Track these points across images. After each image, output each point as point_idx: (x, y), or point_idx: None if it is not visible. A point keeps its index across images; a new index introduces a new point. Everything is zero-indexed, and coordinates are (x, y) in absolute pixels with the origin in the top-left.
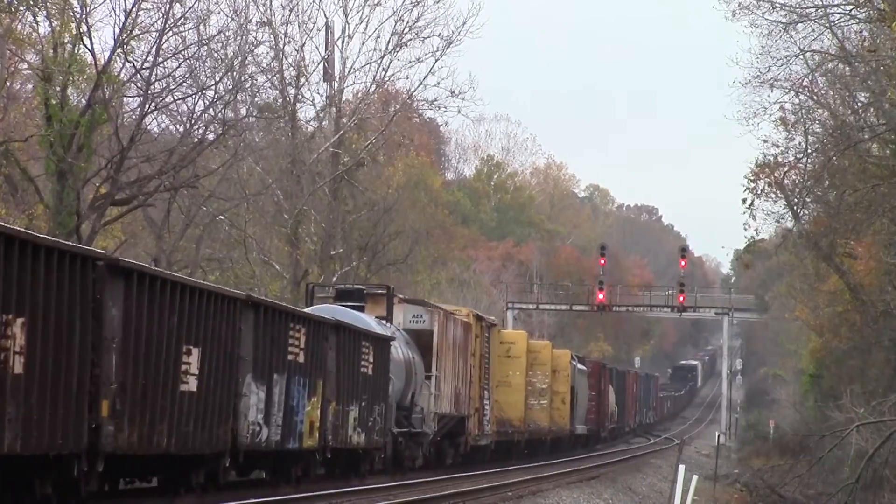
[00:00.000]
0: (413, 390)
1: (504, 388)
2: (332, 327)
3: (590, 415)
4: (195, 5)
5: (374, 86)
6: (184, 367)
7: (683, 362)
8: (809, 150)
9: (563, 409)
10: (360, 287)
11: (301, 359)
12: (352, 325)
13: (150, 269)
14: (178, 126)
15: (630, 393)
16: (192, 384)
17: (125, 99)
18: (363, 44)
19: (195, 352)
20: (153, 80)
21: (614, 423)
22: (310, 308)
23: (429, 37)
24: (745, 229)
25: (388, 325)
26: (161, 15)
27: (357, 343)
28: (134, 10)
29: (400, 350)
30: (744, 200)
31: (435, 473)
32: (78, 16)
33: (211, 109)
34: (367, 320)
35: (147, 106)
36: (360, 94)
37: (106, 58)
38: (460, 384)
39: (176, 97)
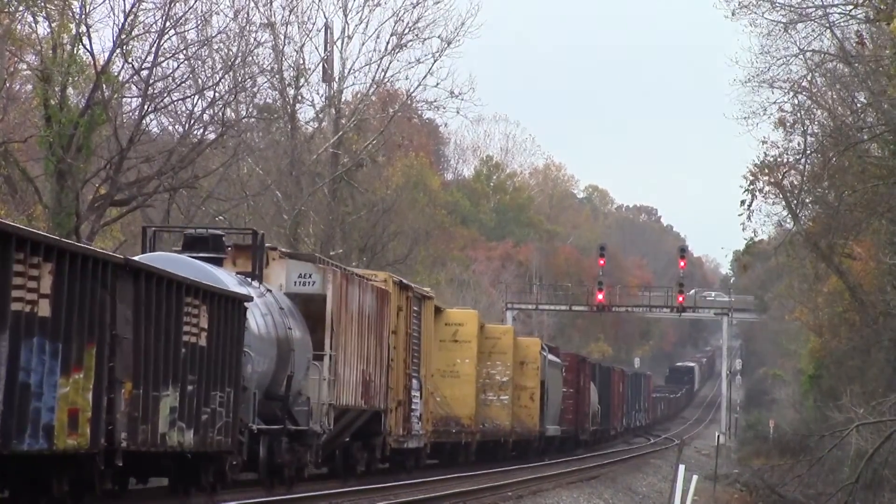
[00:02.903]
0: (291, 374)
1: (450, 380)
2: (119, 269)
3: (566, 415)
4: (195, 5)
5: (373, 86)
6: None
7: (680, 364)
8: (808, 151)
9: (531, 408)
10: (218, 233)
11: (43, 310)
12: (162, 272)
13: None
14: (177, 126)
15: (616, 392)
16: None
17: (124, 99)
18: (363, 44)
19: None
20: (152, 80)
21: (597, 426)
22: (141, 257)
23: (428, 38)
24: (743, 229)
25: (258, 285)
26: (161, 15)
27: (175, 299)
28: (134, 10)
29: (268, 318)
30: (742, 202)
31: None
32: (77, 16)
33: (210, 110)
34: (217, 276)
35: (146, 106)
36: (359, 95)
37: (105, 58)
38: (372, 369)
39: (175, 97)
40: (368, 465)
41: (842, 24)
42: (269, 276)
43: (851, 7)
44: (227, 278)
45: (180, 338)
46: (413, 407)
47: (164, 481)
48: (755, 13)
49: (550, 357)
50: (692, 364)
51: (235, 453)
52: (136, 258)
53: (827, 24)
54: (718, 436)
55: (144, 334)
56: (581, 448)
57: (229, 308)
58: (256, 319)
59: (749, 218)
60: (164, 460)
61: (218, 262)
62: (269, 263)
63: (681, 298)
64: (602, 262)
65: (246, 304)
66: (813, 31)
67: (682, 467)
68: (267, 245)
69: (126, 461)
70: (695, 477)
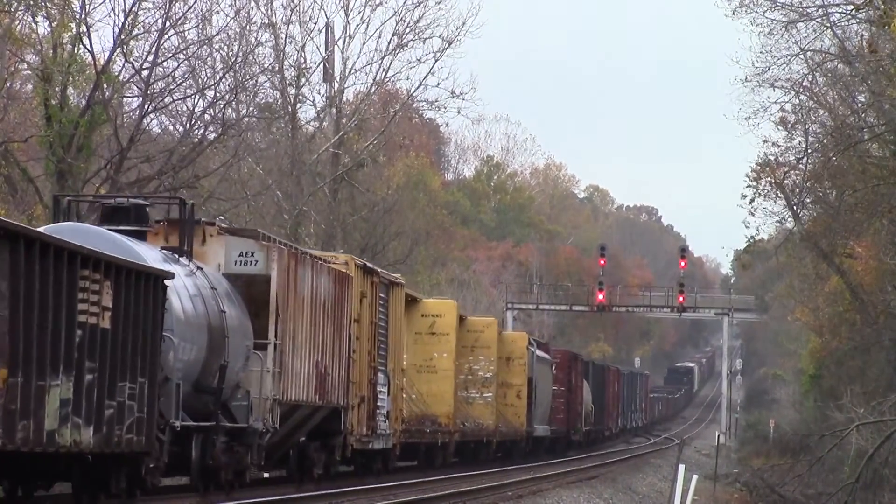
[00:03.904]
0: (224, 363)
1: (427, 375)
2: None
3: (557, 414)
4: (195, 4)
5: (374, 86)
6: None
7: (679, 364)
8: (809, 151)
9: (517, 406)
10: (142, 202)
11: None
12: (48, 238)
13: None
14: (177, 126)
15: (611, 391)
16: None
17: (125, 99)
18: (364, 44)
19: None
20: (153, 80)
21: (590, 426)
22: (46, 227)
23: (430, 37)
24: (746, 227)
25: (187, 262)
26: (161, 14)
27: (66, 271)
28: (134, 9)
29: (197, 300)
30: (744, 195)
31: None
32: (77, 16)
33: (211, 109)
34: (136, 250)
35: (147, 106)
36: (360, 95)
37: (105, 58)
38: (328, 361)
39: (176, 97)
40: (327, 467)
41: (842, 23)
42: (207, 254)
43: (853, 8)
44: (147, 253)
45: (74, 317)
46: (379, 404)
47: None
48: (756, 12)
49: (539, 353)
50: (692, 364)
51: (153, 454)
52: (40, 229)
53: (828, 24)
54: (718, 435)
55: (24, 312)
56: (573, 449)
57: (143, 286)
58: (182, 301)
59: (752, 214)
60: (60, 463)
61: (141, 236)
62: (207, 240)
63: (681, 298)
64: (602, 262)
65: (166, 281)
66: (813, 30)
67: (682, 467)
68: (204, 220)
69: (4, 464)
70: (695, 477)
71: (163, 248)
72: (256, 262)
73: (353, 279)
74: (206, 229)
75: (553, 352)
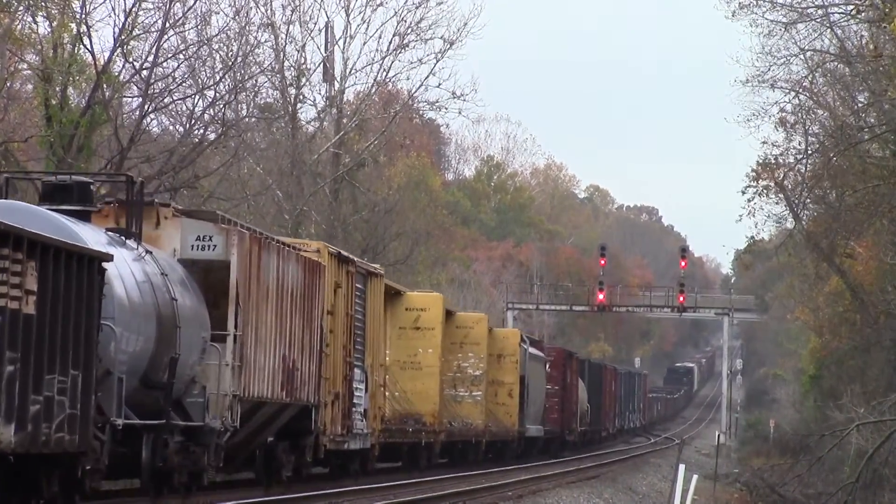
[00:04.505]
0: (176, 356)
1: (411, 372)
2: None
3: (551, 414)
4: (195, 5)
5: (375, 86)
6: None
7: (679, 365)
8: (809, 151)
9: (509, 405)
10: (85, 180)
11: None
12: None
13: None
14: (177, 126)
15: (608, 391)
16: None
17: (125, 99)
18: (364, 44)
19: None
20: (153, 80)
21: (586, 426)
22: None
23: (430, 38)
24: (738, 220)
25: (135, 245)
26: (161, 15)
27: None
28: (134, 10)
29: (144, 286)
30: (743, 192)
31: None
32: (78, 16)
33: (211, 109)
34: (76, 231)
35: (147, 106)
36: (361, 95)
37: (106, 58)
38: (297, 355)
39: (176, 97)
40: (298, 469)
41: (842, 23)
42: (161, 238)
43: (852, 8)
44: (88, 235)
45: None
46: (355, 401)
47: None
48: (755, 13)
49: (532, 350)
50: (691, 365)
51: (91, 455)
52: None
53: (827, 24)
54: (719, 435)
55: None
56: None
57: (75, 268)
58: (127, 287)
59: (752, 214)
60: None
61: (84, 217)
62: (161, 223)
63: (681, 298)
64: (603, 262)
65: (105, 265)
66: (813, 30)
67: (682, 467)
68: (159, 201)
69: None
70: (695, 476)
71: (108, 229)
72: (215, 246)
73: (326, 268)
74: (160, 211)
75: (547, 349)
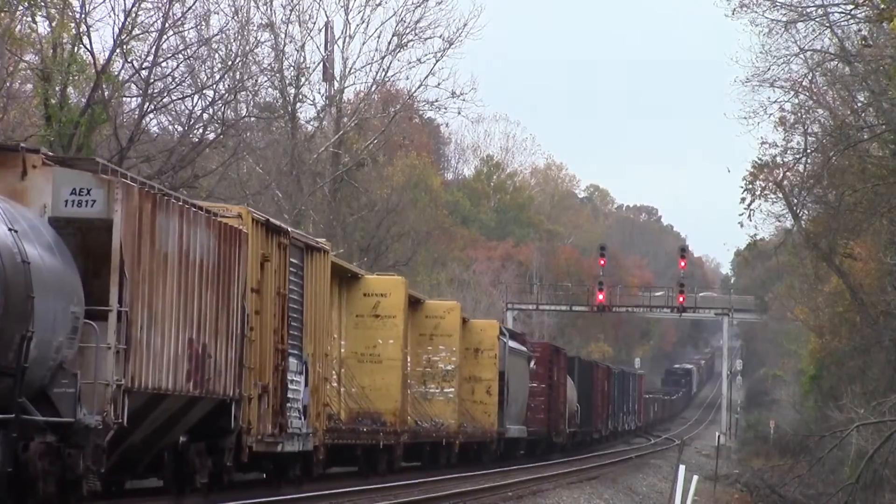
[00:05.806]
0: (29, 334)
1: (369, 366)
2: None
3: (536, 414)
4: (195, 5)
5: (374, 86)
6: None
7: (677, 366)
8: (809, 151)
9: (487, 404)
10: None
11: None
12: None
13: None
14: (177, 126)
15: (600, 390)
16: None
17: (124, 99)
18: (363, 44)
19: None
20: (152, 80)
21: (575, 427)
22: None
23: (430, 38)
24: (741, 226)
25: None
26: (160, 15)
27: None
28: (133, 10)
29: None
30: (742, 199)
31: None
32: (77, 16)
33: (210, 109)
34: None
35: (146, 106)
36: (360, 95)
37: (105, 58)
38: (208, 339)
39: (175, 97)
40: (218, 474)
41: (842, 23)
42: (27, 191)
43: (852, 7)
44: None
45: None
46: (290, 395)
47: None
48: (755, 12)
49: (513, 344)
50: (690, 366)
51: None
52: None
53: (827, 24)
54: (719, 436)
55: None
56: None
57: None
58: None
59: (750, 217)
60: None
61: None
62: (29, 173)
63: (681, 299)
64: (602, 262)
65: None
66: (813, 30)
67: (682, 467)
68: (25, 146)
69: None
70: (695, 477)
71: None
72: (94, 202)
73: (249, 236)
74: (26, 158)
75: (532, 345)
